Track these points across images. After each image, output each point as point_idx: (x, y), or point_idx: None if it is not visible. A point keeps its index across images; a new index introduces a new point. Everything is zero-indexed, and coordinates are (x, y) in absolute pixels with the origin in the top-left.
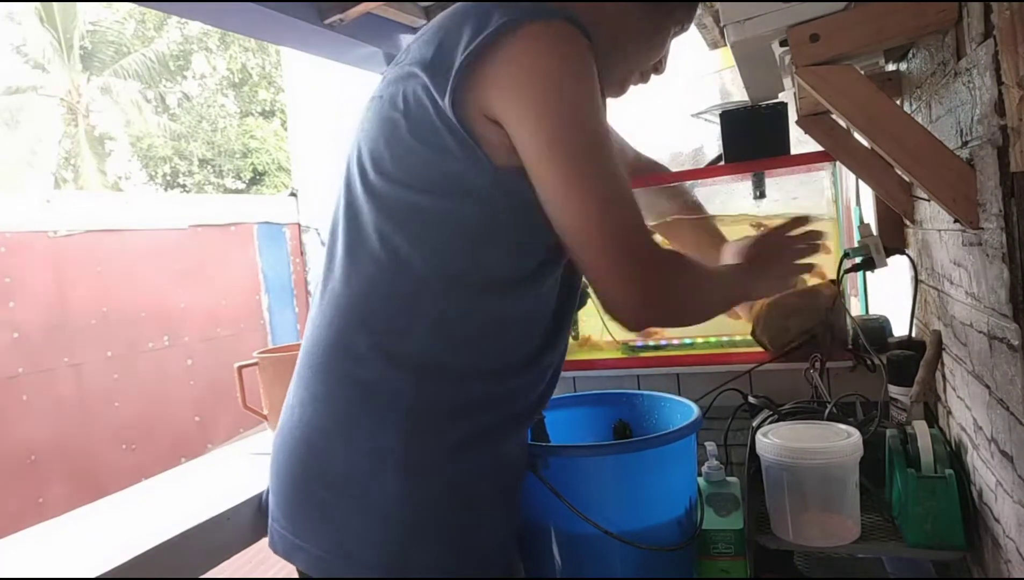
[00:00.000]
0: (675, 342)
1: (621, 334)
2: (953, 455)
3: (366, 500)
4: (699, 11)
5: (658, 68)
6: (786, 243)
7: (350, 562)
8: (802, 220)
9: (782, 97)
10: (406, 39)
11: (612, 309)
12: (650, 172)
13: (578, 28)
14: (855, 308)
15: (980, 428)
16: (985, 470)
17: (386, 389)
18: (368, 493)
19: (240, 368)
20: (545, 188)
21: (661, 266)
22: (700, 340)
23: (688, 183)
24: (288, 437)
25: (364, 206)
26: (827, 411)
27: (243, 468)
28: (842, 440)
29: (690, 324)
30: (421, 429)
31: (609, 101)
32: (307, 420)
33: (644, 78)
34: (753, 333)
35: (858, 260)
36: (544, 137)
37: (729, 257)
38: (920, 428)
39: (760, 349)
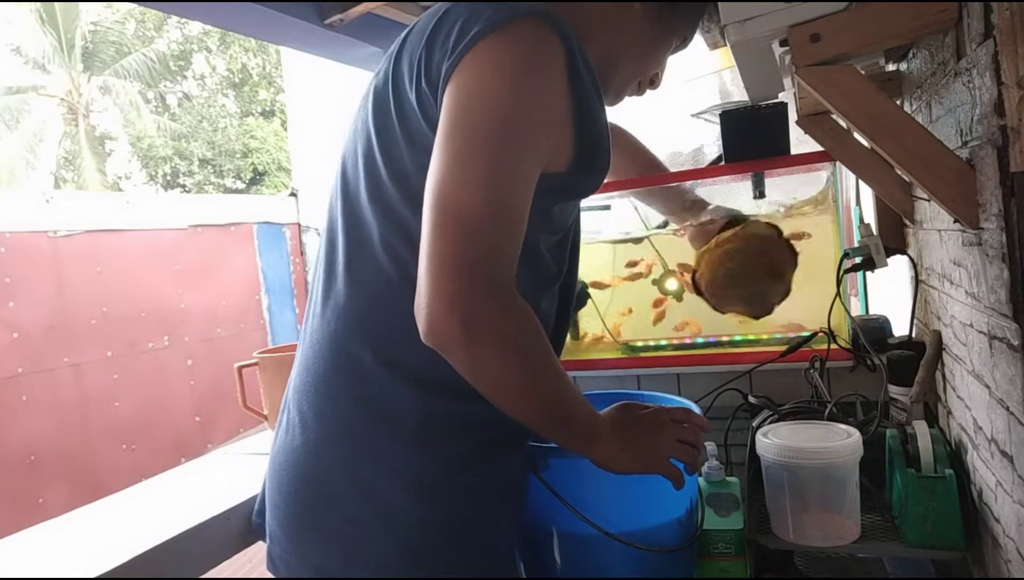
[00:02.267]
0: (675, 342)
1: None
2: (953, 455)
3: (378, 521)
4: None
5: (655, 81)
6: (669, 427)
7: None
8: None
9: (782, 97)
10: None
11: (418, 303)
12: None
13: (556, 27)
14: (855, 308)
15: (980, 428)
16: (985, 470)
17: (394, 406)
18: (380, 513)
19: (240, 368)
20: (432, 164)
21: (499, 294)
22: (700, 340)
23: (688, 183)
24: (290, 456)
25: (368, 215)
26: (827, 411)
27: (243, 468)
28: (842, 440)
29: (488, 385)
30: (431, 446)
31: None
32: (311, 439)
33: (640, 90)
34: (693, 279)
35: (858, 260)
36: (456, 118)
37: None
38: (920, 428)
39: (764, 349)
